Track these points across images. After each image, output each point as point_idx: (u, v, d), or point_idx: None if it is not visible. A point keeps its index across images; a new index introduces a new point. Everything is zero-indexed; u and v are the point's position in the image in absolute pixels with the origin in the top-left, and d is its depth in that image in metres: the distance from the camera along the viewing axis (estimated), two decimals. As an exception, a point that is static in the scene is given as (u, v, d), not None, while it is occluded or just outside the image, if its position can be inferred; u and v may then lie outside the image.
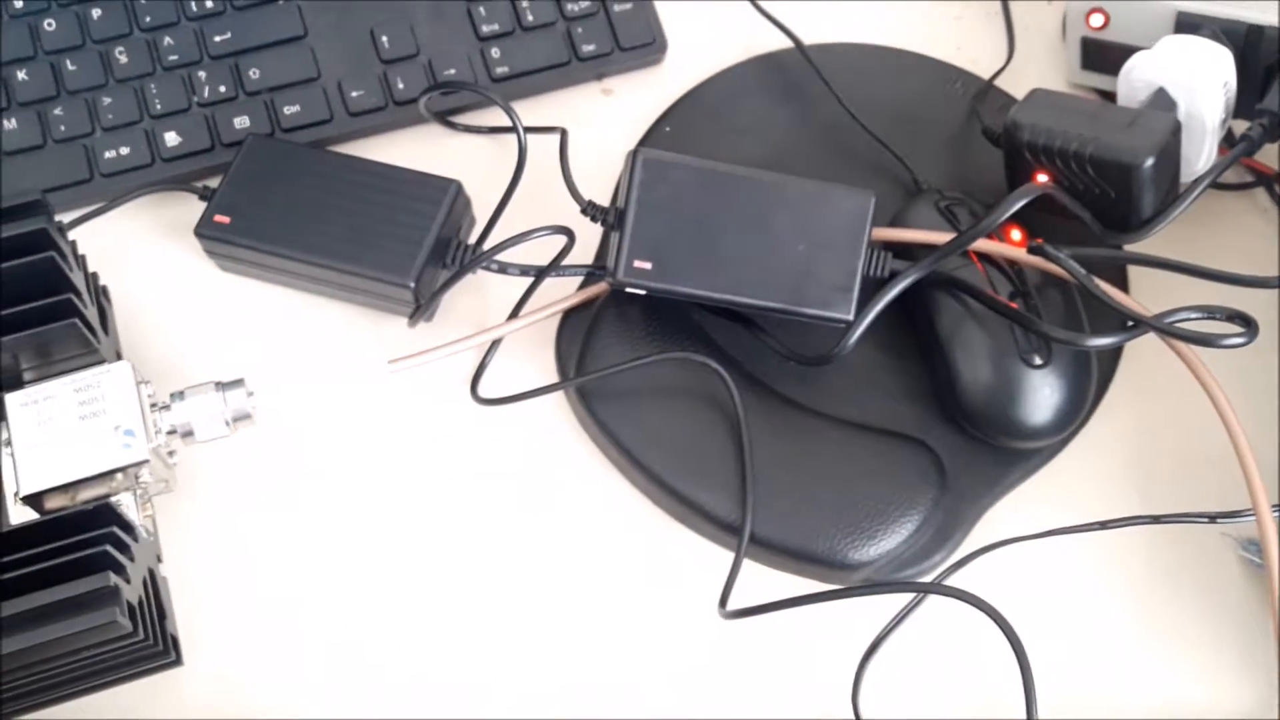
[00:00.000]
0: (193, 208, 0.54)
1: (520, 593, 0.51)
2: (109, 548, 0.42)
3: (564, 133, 0.54)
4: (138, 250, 0.56)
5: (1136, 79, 0.52)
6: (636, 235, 0.49)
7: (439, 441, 0.53)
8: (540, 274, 0.53)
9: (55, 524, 0.43)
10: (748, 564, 0.50)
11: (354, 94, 0.57)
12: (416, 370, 0.54)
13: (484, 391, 0.53)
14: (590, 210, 0.51)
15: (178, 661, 0.48)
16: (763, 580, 0.51)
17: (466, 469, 0.53)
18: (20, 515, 0.45)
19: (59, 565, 0.42)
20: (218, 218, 0.52)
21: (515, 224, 0.52)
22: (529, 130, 0.54)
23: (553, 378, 0.54)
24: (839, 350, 0.49)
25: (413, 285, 0.51)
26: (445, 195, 0.52)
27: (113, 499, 0.46)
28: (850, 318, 0.49)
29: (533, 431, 0.54)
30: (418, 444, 0.53)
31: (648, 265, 0.49)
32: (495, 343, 0.54)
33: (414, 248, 0.51)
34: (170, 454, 0.49)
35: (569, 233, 0.52)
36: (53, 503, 0.46)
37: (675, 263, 0.49)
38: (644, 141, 0.58)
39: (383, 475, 0.53)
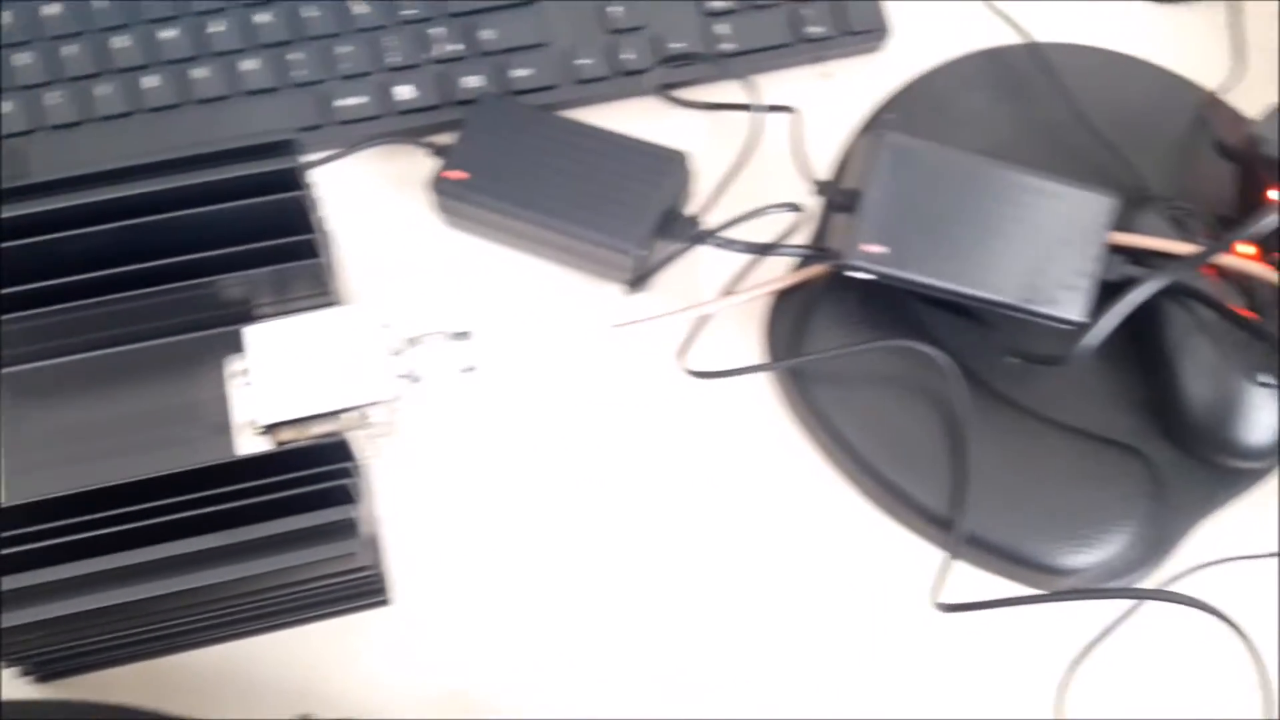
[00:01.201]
0: (415, 162, 0.55)
1: (717, 570, 0.51)
2: (347, 481, 0.43)
3: (797, 113, 0.54)
4: (363, 199, 0.57)
5: (1384, 101, 0.51)
6: (872, 219, 0.49)
7: (643, 409, 0.54)
8: (764, 251, 0.53)
9: (293, 455, 0.44)
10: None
11: (581, 61, 0.57)
12: (625, 338, 0.54)
13: (691, 365, 0.53)
14: (824, 190, 0.51)
15: (387, 600, 0.49)
16: (963, 578, 0.51)
17: (669, 440, 0.53)
18: (250, 447, 0.46)
19: (298, 495, 0.42)
20: (456, 174, 0.53)
21: (728, 201, 0.52)
22: (758, 109, 0.55)
23: (755, 356, 0.54)
24: (1077, 351, 0.48)
25: (642, 253, 0.51)
26: (674, 166, 0.53)
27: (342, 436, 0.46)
28: (1081, 319, 0.49)
29: (735, 408, 0.54)
30: (623, 410, 0.54)
31: (881, 250, 0.49)
32: (705, 316, 0.54)
33: (643, 215, 0.51)
34: (397, 398, 0.49)
35: (798, 209, 0.52)
36: (282, 435, 0.47)
37: (908, 250, 0.49)
38: (868, 127, 0.57)
39: (588, 438, 0.53)
